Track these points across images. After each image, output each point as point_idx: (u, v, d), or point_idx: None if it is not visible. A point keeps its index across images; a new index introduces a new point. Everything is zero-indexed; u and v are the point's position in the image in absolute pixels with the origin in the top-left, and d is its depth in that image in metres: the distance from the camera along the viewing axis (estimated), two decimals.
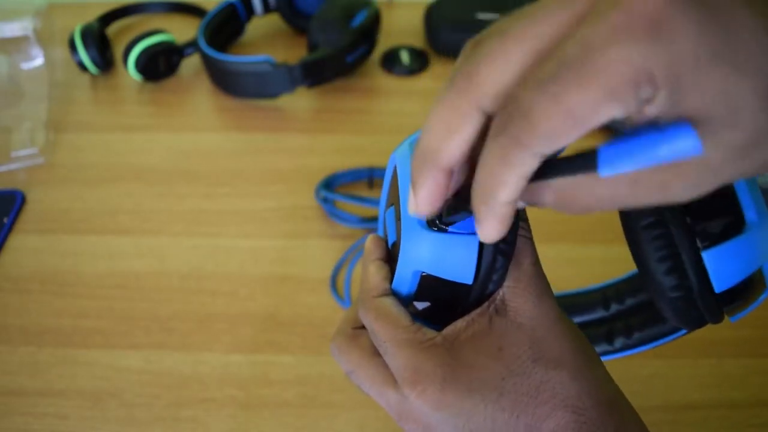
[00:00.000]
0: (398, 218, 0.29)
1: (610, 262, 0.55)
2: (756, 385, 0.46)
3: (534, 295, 0.27)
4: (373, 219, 0.56)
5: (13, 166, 0.63)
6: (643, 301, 0.37)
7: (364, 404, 0.45)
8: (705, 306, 0.27)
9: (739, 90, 0.17)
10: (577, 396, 0.25)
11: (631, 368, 0.47)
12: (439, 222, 0.26)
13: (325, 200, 0.58)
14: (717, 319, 0.28)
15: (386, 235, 0.32)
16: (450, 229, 0.26)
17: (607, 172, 0.18)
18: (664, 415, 0.45)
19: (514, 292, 0.27)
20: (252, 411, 0.45)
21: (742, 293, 0.28)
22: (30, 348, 0.49)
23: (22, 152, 0.64)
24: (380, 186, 0.62)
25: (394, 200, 0.30)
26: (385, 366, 0.28)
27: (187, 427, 0.44)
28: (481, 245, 0.26)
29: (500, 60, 0.20)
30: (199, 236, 0.57)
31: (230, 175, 0.63)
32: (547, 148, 0.18)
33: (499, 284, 0.27)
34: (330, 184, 0.60)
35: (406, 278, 0.28)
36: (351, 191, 0.61)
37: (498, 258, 0.27)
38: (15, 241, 0.57)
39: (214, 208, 0.59)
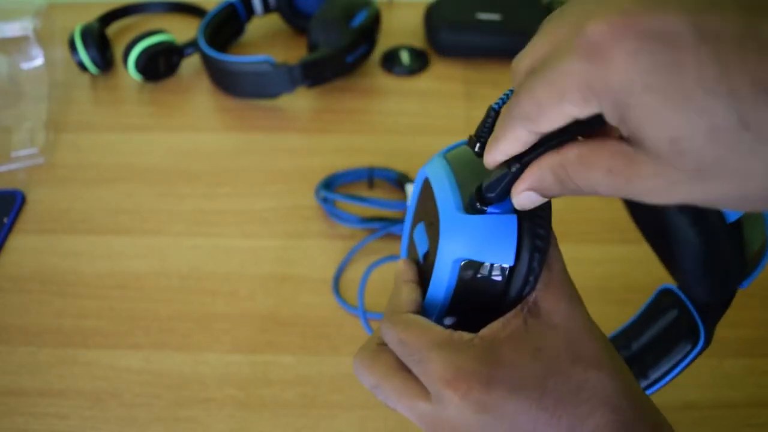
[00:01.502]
0: (430, 228, 0.29)
1: (610, 262, 0.55)
2: (755, 385, 0.46)
3: (565, 297, 0.27)
4: (373, 219, 0.56)
5: (13, 166, 0.63)
6: (650, 340, 0.37)
7: (364, 404, 0.45)
8: (726, 242, 0.27)
9: (680, 124, 0.19)
10: (615, 395, 0.25)
11: None
12: (480, 203, 0.27)
13: (325, 200, 0.58)
14: (738, 262, 0.28)
15: (415, 255, 0.32)
16: (489, 209, 0.27)
17: None
18: (663, 414, 0.45)
19: (546, 295, 0.27)
20: (252, 411, 0.45)
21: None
22: (30, 348, 0.49)
23: (22, 152, 0.64)
24: (380, 186, 0.62)
25: (424, 214, 0.30)
26: (413, 379, 0.27)
27: (187, 427, 0.44)
28: (521, 231, 0.27)
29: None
30: (199, 236, 0.57)
31: (230, 175, 0.63)
32: (529, 125, 0.23)
33: (533, 286, 0.27)
34: (330, 184, 0.60)
35: (443, 278, 0.28)
36: (351, 191, 0.61)
37: (535, 256, 0.27)
38: (15, 241, 0.57)
39: (214, 208, 0.59)
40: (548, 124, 0.22)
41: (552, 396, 0.25)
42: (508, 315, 0.27)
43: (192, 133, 0.68)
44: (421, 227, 0.31)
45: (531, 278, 0.27)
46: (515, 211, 0.27)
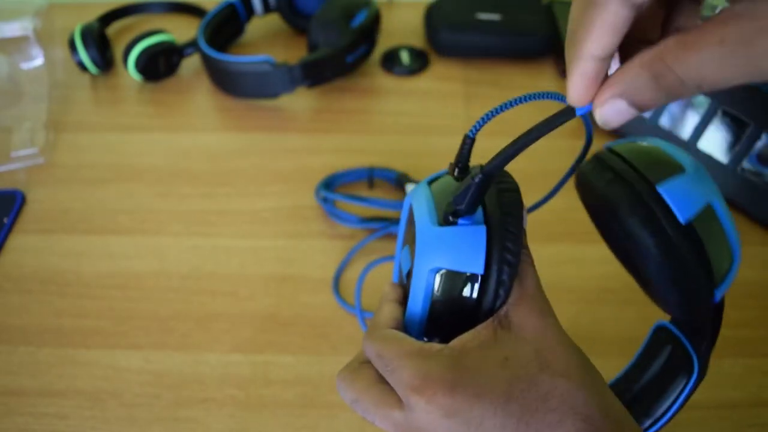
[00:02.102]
0: (411, 247, 0.30)
1: (610, 262, 0.55)
2: (756, 385, 0.46)
3: (536, 312, 0.28)
4: (373, 219, 0.56)
5: (13, 166, 0.63)
6: (650, 379, 0.38)
7: None
8: (681, 244, 0.28)
9: None
10: (586, 405, 0.25)
11: None
12: (452, 216, 0.28)
13: (325, 200, 0.58)
14: (701, 265, 0.28)
15: (401, 277, 0.33)
16: (460, 221, 0.28)
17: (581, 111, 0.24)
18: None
19: (517, 309, 0.28)
20: (252, 411, 0.45)
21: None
22: (30, 348, 0.49)
23: (22, 152, 0.64)
24: (380, 186, 0.62)
25: (409, 237, 0.32)
26: (390, 391, 0.28)
27: (187, 427, 0.44)
28: (490, 242, 0.28)
29: None
30: (199, 236, 0.57)
31: (230, 175, 0.63)
32: None
33: (504, 300, 0.28)
34: (330, 184, 0.60)
35: (419, 289, 0.29)
36: (351, 191, 0.61)
37: (503, 268, 0.28)
38: (15, 241, 0.57)
39: (214, 208, 0.59)
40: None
41: (518, 402, 0.25)
42: (479, 327, 0.28)
43: (192, 133, 0.68)
44: (405, 249, 0.32)
45: (501, 291, 0.28)
46: (486, 222, 0.28)
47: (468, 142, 0.28)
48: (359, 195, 0.59)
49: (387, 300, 0.32)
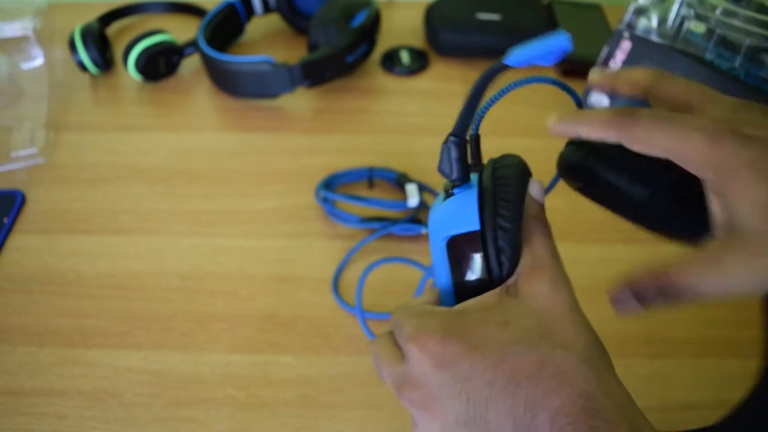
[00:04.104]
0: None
1: (610, 262, 0.55)
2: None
3: (548, 283, 0.27)
4: (373, 219, 0.56)
5: (13, 166, 0.63)
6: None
7: (364, 404, 0.45)
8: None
9: None
10: (585, 380, 0.24)
11: (631, 368, 0.47)
12: (449, 189, 0.31)
13: (325, 200, 0.58)
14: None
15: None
16: (455, 191, 0.31)
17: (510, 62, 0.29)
18: (663, 415, 0.45)
19: (527, 278, 0.28)
20: (252, 411, 0.45)
21: None
22: (30, 348, 0.49)
23: (22, 152, 0.64)
24: (380, 186, 0.62)
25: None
26: (398, 349, 0.29)
27: (187, 427, 0.44)
28: (481, 199, 0.29)
29: None
30: (199, 236, 0.57)
31: (230, 175, 0.63)
32: (625, 138, 0.29)
33: (509, 269, 0.28)
34: (330, 184, 0.60)
35: (441, 263, 0.30)
36: (351, 191, 0.61)
37: (498, 229, 0.28)
38: (15, 241, 0.57)
39: (214, 208, 0.59)
40: (642, 147, 0.28)
41: (511, 364, 0.25)
42: (487, 293, 0.28)
43: (192, 133, 0.68)
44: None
45: (503, 258, 0.28)
46: (479, 186, 0.30)
47: (456, 146, 0.30)
48: (359, 195, 0.59)
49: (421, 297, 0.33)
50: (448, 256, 0.30)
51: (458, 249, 0.30)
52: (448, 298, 0.31)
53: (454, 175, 0.30)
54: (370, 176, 0.61)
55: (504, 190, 0.29)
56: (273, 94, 0.69)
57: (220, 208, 0.59)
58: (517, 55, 0.28)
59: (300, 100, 0.71)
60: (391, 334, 0.30)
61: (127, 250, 0.56)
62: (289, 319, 0.51)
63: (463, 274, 0.30)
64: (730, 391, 0.46)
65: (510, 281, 0.28)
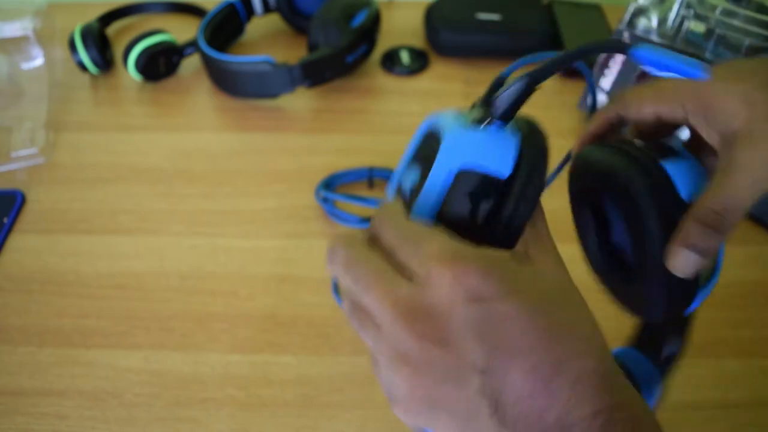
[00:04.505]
0: (424, 162, 0.28)
1: None
2: (756, 385, 0.46)
3: (552, 257, 0.27)
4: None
5: (13, 166, 0.63)
6: None
7: (364, 404, 0.45)
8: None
9: None
10: (603, 349, 0.24)
11: None
12: (483, 122, 0.27)
13: (325, 200, 0.58)
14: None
15: (400, 195, 0.30)
16: (492, 126, 0.27)
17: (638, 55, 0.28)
18: (664, 415, 0.45)
19: (535, 249, 0.27)
20: (252, 411, 0.45)
21: None
22: (30, 348, 0.49)
23: (22, 152, 0.64)
24: (380, 186, 0.62)
25: (421, 155, 0.29)
26: (396, 265, 0.25)
27: (187, 427, 0.44)
28: (521, 149, 0.26)
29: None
30: (199, 236, 0.57)
31: (230, 175, 0.63)
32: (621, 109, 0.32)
33: (520, 224, 0.26)
34: (330, 184, 0.60)
35: (433, 192, 0.26)
36: (351, 191, 0.61)
37: (530, 184, 0.26)
38: (15, 241, 0.57)
39: (214, 208, 0.59)
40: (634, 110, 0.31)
41: (547, 318, 0.23)
42: (501, 251, 0.26)
43: (192, 133, 0.68)
44: (412, 168, 0.29)
45: (516, 221, 0.26)
46: (523, 139, 0.27)
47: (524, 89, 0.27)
48: (359, 195, 0.59)
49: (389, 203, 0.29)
50: (451, 184, 0.26)
51: (468, 184, 0.26)
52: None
53: (500, 112, 0.27)
54: (370, 176, 0.61)
55: (544, 157, 0.27)
56: (273, 94, 0.69)
57: (220, 208, 0.59)
58: (650, 53, 0.28)
59: (300, 100, 0.71)
60: (373, 244, 0.26)
61: (127, 250, 0.56)
62: (289, 319, 0.51)
63: (458, 213, 0.26)
64: (730, 391, 0.46)
65: (520, 249, 0.26)
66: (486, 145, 0.26)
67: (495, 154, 0.26)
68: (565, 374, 0.23)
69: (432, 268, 0.23)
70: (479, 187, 0.26)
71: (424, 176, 0.27)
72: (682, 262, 0.27)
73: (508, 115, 0.27)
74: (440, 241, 0.24)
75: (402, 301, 0.23)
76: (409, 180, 0.29)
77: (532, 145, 0.26)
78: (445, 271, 0.23)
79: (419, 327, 0.23)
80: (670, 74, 0.28)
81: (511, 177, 0.26)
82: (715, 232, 0.27)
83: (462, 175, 0.26)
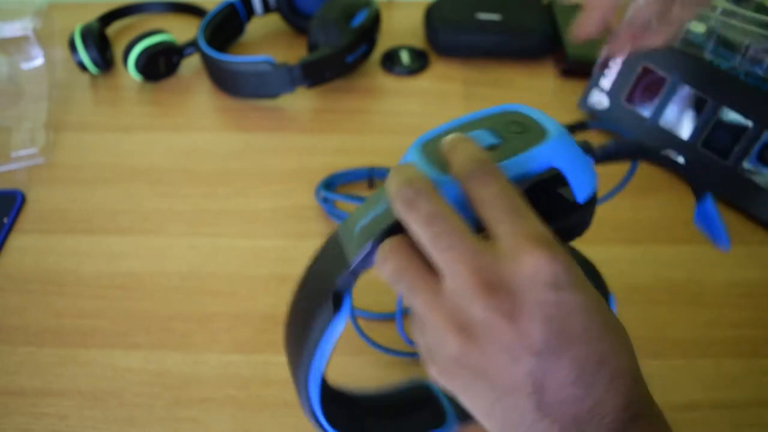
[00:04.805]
0: (517, 134, 0.29)
1: (610, 262, 0.55)
2: (756, 385, 0.46)
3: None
4: None
5: (13, 166, 0.63)
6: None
7: None
8: None
9: None
10: (633, 351, 0.26)
11: None
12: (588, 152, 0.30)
13: (325, 200, 0.58)
14: None
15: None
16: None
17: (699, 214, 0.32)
18: (664, 415, 0.45)
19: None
20: (252, 411, 0.45)
21: None
22: (30, 348, 0.49)
23: (22, 152, 0.64)
24: (380, 186, 0.62)
25: (501, 125, 0.30)
26: (478, 235, 0.25)
27: (187, 427, 0.44)
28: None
29: None
30: (199, 236, 0.57)
31: (230, 175, 0.63)
32: None
33: (568, 240, 0.30)
34: (330, 184, 0.60)
35: (522, 167, 0.27)
36: (351, 191, 0.61)
37: (588, 218, 0.29)
38: (15, 241, 0.57)
39: (214, 208, 0.59)
40: None
41: (601, 316, 0.25)
42: None
43: (192, 133, 0.68)
44: (491, 134, 0.29)
45: (576, 231, 0.29)
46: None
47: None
48: (359, 195, 0.59)
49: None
50: (537, 174, 0.27)
51: (549, 184, 0.27)
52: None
53: (603, 154, 0.30)
54: (370, 176, 0.61)
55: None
56: (273, 94, 0.69)
57: (220, 208, 0.59)
58: (708, 217, 0.33)
59: (300, 100, 0.71)
60: (472, 199, 0.25)
61: (127, 250, 0.56)
62: None
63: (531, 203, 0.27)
64: (730, 391, 0.46)
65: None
66: (582, 165, 0.28)
67: (583, 179, 0.28)
68: (606, 368, 0.24)
69: (525, 245, 0.24)
70: (555, 195, 0.28)
71: (510, 150, 0.28)
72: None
73: (604, 159, 0.29)
74: (538, 222, 0.25)
75: (483, 270, 0.24)
76: (486, 143, 0.29)
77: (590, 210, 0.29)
78: (538, 252, 0.23)
79: (493, 299, 0.23)
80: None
81: (583, 205, 0.28)
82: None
83: (551, 172, 0.27)
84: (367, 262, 0.28)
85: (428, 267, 0.25)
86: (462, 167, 0.26)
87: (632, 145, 0.29)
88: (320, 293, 0.30)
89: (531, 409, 0.24)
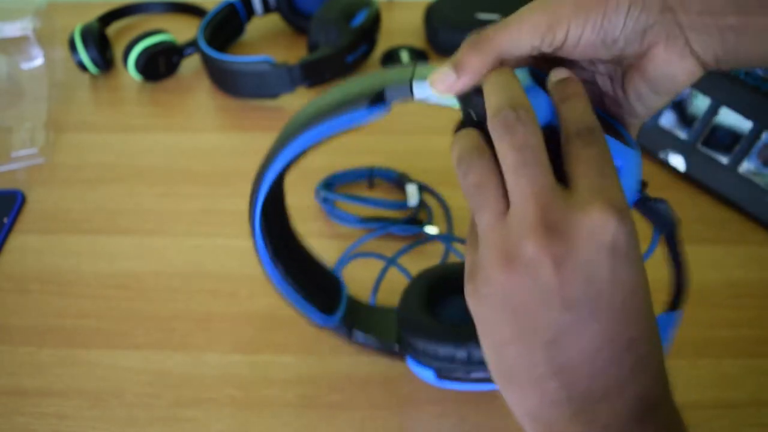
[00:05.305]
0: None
1: None
2: (755, 385, 0.46)
3: None
4: (373, 219, 0.56)
5: (13, 166, 0.63)
6: None
7: (364, 404, 0.45)
8: None
9: None
10: (659, 341, 0.26)
11: None
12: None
13: (325, 200, 0.58)
14: None
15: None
16: None
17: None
18: None
19: None
20: (252, 411, 0.45)
21: None
22: (30, 348, 0.49)
23: (22, 152, 0.64)
24: (380, 186, 0.62)
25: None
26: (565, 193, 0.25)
27: (187, 427, 0.44)
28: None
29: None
30: (199, 236, 0.57)
31: (230, 175, 0.63)
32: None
33: None
34: (330, 184, 0.60)
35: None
36: (351, 191, 0.61)
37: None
38: (15, 241, 0.57)
39: (215, 208, 0.59)
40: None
41: (641, 298, 0.25)
42: None
43: (192, 133, 0.68)
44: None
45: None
46: None
47: None
48: (359, 195, 0.60)
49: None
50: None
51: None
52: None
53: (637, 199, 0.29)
54: (370, 176, 0.61)
55: None
56: (273, 94, 0.69)
57: (220, 208, 0.59)
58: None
59: (300, 100, 0.71)
60: (569, 138, 0.25)
61: (128, 250, 0.56)
62: (289, 319, 0.50)
63: None
64: (730, 391, 0.46)
65: None
66: (638, 173, 0.28)
67: (633, 184, 0.27)
68: (632, 353, 0.24)
69: (599, 201, 0.23)
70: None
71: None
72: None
73: (644, 211, 0.28)
74: (621, 193, 0.24)
75: (550, 209, 0.23)
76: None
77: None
78: (609, 211, 0.23)
79: (548, 239, 0.23)
80: None
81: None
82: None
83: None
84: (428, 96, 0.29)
85: (504, 190, 0.25)
86: (572, 123, 0.26)
87: (668, 222, 0.28)
88: (364, 90, 0.31)
89: (542, 362, 0.24)
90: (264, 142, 0.67)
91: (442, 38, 0.75)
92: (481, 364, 0.39)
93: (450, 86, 0.28)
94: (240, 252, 0.55)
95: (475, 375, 0.40)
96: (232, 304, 0.52)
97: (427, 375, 0.41)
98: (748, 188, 0.56)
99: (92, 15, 0.79)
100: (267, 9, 0.79)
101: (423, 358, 0.41)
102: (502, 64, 0.27)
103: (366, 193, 0.61)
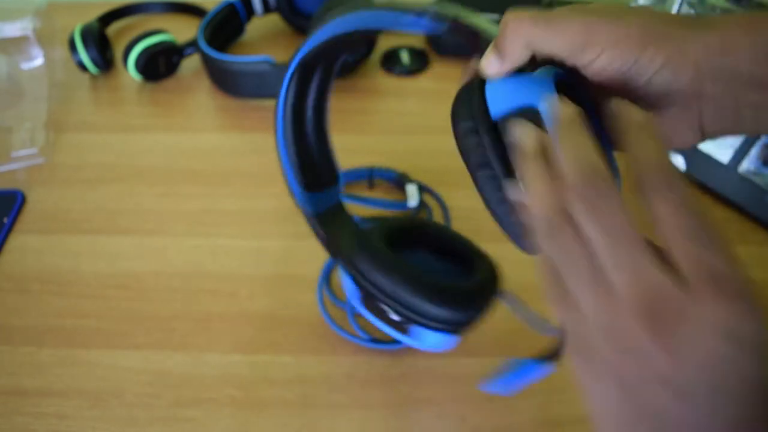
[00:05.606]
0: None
1: None
2: None
3: None
4: (373, 219, 0.56)
5: (13, 166, 0.63)
6: None
7: (364, 404, 0.45)
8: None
9: None
10: None
11: None
12: None
13: None
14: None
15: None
16: None
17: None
18: None
19: None
20: (252, 411, 0.45)
21: None
22: (30, 348, 0.49)
23: (22, 152, 0.64)
24: (380, 186, 0.62)
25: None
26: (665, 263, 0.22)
27: (187, 427, 0.44)
28: None
29: None
30: (199, 236, 0.57)
31: (230, 175, 0.63)
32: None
33: None
34: None
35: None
36: (351, 191, 0.61)
37: None
38: (15, 241, 0.57)
39: (215, 208, 0.59)
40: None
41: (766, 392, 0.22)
42: None
43: (192, 133, 0.68)
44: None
45: None
46: None
47: None
48: (359, 195, 0.59)
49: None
50: None
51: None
52: None
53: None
54: (370, 176, 0.61)
55: None
56: (273, 94, 0.69)
57: (220, 208, 0.59)
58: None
59: None
60: (654, 203, 0.23)
61: (128, 250, 0.56)
62: (289, 319, 0.51)
63: None
64: None
65: None
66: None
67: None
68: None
69: (707, 285, 0.21)
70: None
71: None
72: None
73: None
74: (724, 252, 0.22)
75: (654, 287, 0.21)
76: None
77: None
78: (720, 298, 0.21)
79: (659, 325, 0.21)
80: None
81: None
82: None
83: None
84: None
85: (595, 264, 0.23)
86: (642, 171, 0.23)
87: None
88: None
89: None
90: (264, 142, 0.67)
91: (442, 38, 0.75)
92: (408, 309, 0.40)
93: (498, 71, 0.31)
94: (240, 252, 0.55)
95: (392, 317, 0.40)
96: (232, 304, 0.52)
97: (351, 289, 0.42)
98: (748, 188, 0.56)
99: (92, 15, 0.79)
100: (267, 9, 0.79)
101: (355, 274, 0.42)
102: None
103: (366, 193, 0.61)
